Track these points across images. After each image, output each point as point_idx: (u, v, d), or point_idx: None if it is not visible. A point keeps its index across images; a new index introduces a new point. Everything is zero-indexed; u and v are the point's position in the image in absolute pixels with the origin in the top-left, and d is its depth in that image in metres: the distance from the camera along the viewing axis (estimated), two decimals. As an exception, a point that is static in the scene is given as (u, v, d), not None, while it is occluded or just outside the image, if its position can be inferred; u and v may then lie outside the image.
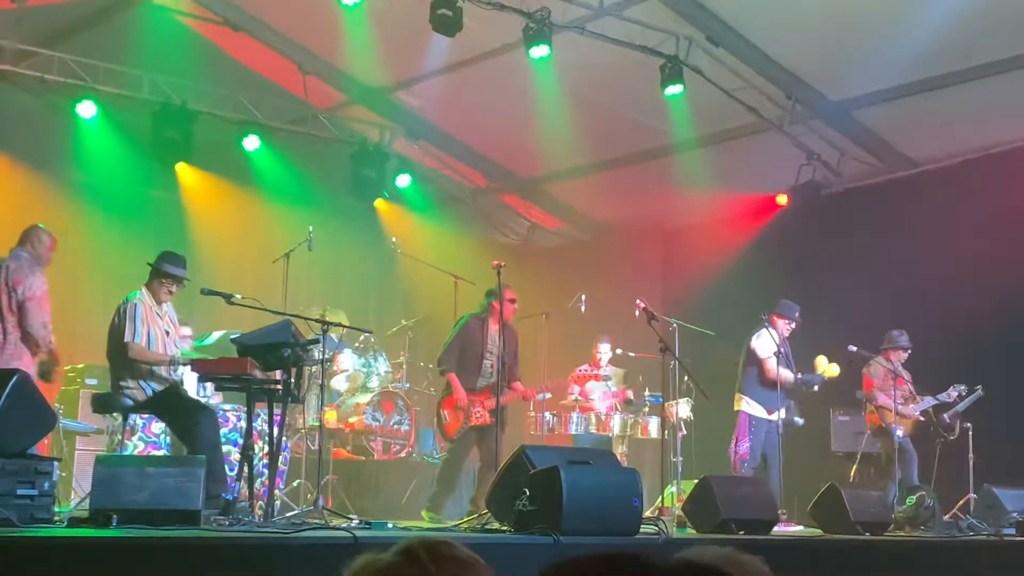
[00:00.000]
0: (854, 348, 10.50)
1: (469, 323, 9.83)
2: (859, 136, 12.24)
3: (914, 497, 9.75)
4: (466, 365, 9.71)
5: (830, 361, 10.59)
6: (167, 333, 7.85)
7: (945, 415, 10.76)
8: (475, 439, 9.70)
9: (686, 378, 10.42)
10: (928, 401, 10.77)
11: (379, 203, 13.96)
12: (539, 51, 10.34)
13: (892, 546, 8.30)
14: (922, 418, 10.77)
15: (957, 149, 11.96)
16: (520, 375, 10.01)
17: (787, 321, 10.46)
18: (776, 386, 10.09)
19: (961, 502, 10.27)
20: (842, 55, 10.94)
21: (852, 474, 11.05)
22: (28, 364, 7.63)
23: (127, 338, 7.54)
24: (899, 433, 10.48)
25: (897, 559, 7.99)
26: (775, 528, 8.41)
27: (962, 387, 10.75)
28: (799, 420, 10.47)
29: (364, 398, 11.50)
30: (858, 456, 11.16)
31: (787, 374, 10.21)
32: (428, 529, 8.32)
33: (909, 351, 10.79)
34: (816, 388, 10.54)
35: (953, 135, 11.82)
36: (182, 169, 13.02)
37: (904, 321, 11.00)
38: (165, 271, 7.89)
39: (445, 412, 9.72)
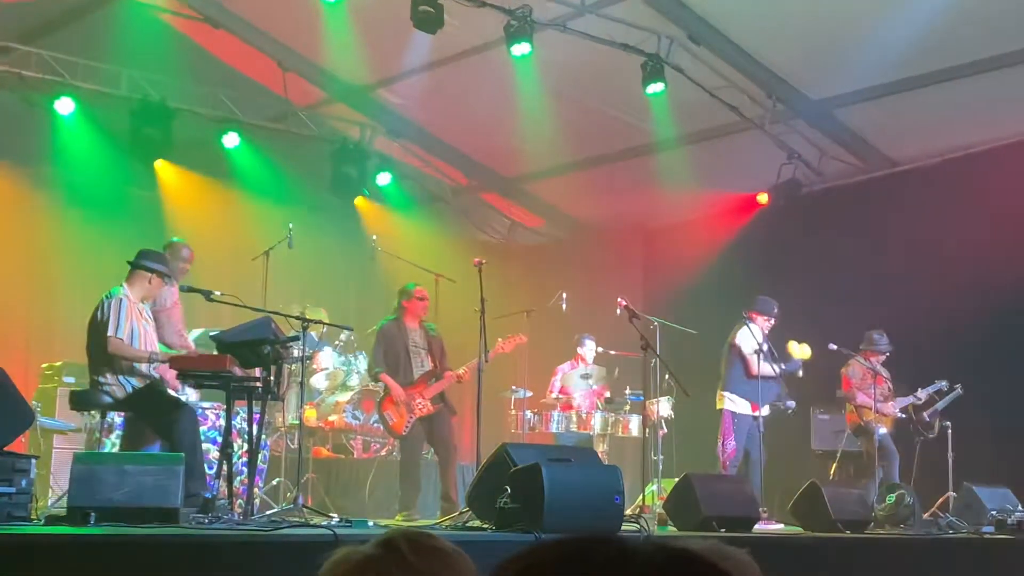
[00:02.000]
0: (834, 346, 10.54)
1: (384, 328, 9.94)
2: (840, 135, 12.28)
3: (894, 495, 9.78)
4: (397, 365, 9.78)
5: (800, 343, 10.60)
6: (147, 330, 7.80)
7: (925, 414, 10.81)
8: (424, 433, 9.71)
9: (667, 376, 10.42)
10: (907, 400, 10.80)
11: (359, 201, 13.91)
12: (520, 49, 10.32)
13: (872, 544, 8.31)
14: (902, 416, 10.81)
15: (937, 149, 12.01)
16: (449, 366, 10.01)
17: (765, 317, 10.48)
18: (777, 376, 10.13)
19: (941, 500, 10.31)
20: (823, 54, 10.97)
21: (832, 472, 11.08)
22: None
23: (110, 332, 7.49)
24: (882, 431, 10.51)
25: (877, 557, 8.01)
26: (756, 526, 8.41)
27: (942, 383, 10.79)
28: (791, 403, 10.45)
29: (344, 396, 11.46)
30: (838, 454, 11.18)
31: (771, 370, 10.22)
32: (406, 526, 8.30)
33: (887, 354, 10.82)
34: (800, 373, 10.55)
35: (933, 135, 11.86)
36: (161, 166, 12.95)
37: (884, 320, 11.04)
38: (147, 267, 7.85)
39: (388, 413, 9.74)
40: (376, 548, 1.86)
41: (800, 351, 10.53)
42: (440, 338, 10.06)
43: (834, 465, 11.16)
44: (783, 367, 10.34)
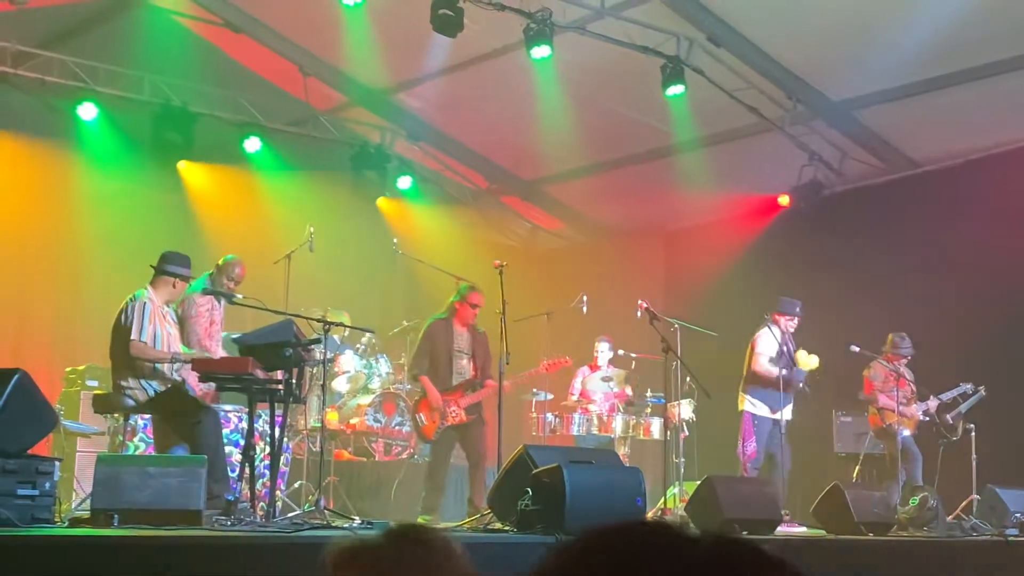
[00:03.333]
0: (856, 348, 10.49)
1: (432, 326, 9.86)
2: (861, 136, 12.23)
3: (917, 498, 9.72)
4: (438, 367, 9.72)
5: (809, 353, 10.54)
6: (170, 333, 7.84)
7: (948, 416, 10.75)
8: (456, 438, 9.70)
9: (688, 379, 10.40)
10: (931, 402, 10.75)
11: (381, 203, 13.97)
12: (540, 51, 10.33)
13: (896, 547, 8.28)
14: (925, 419, 10.75)
15: (959, 149, 11.94)
16: (493, 373, 9.98)
17: (788, 317, 10.44)
18: (778, 384, 10.07)
19: (964, 503, 10.24)
20: (844, 55, 10.93)
21: (855, 475, 11.03)
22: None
23: (133, 335, 7.53)
24: (905, 433, 10.46)
25: (900, 560, 7.98)
26: (778, 528, 8.39)
27: (966, 386, 10.73)
28: (806, 387, 10.38)
29: (365, 399, 11.48)
30: (861, 457, 11.13)
31: (772, 369, 10.15)
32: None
33: (909, 357, 10.76)
34: (801, 384, 10.46)
35: (955, 135, 11.80)
36: (184, 168, 13.01)
37: (906, 322, 10.98)
38: (170, 271, 7.88)
39: (421, 415, 9.73)
40: (379, 539, 1.88)
41: (807, 361, 10.44)
42: (486, 340, 9.98)
43: (857, 468, 11.12)
44: (784, 373, 10.21)
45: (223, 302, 8.81)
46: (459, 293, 9.82)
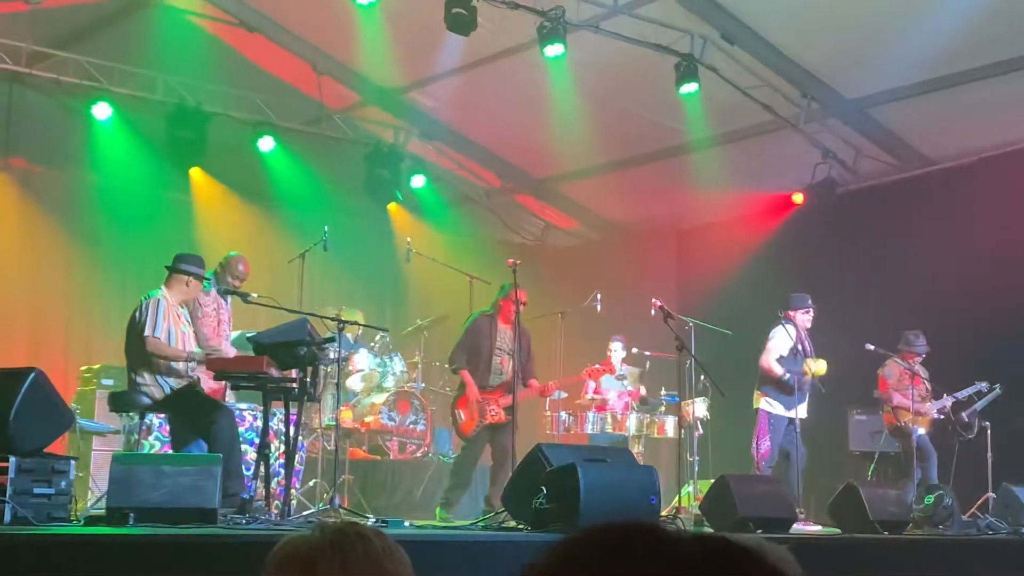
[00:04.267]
0: (871, 347, 10.46)
1: (478, 321, 9.81)
2: (875, 134, 12.19)
3: (933, 496, 9.70)
4: (478, 363, 9.68)
5: (817, 359, 10.49)
6: (184, 333, 7.86)
7: (963, 414, 10.71)
8: (488, 437, 9.68)
9: (702, 377, 10.38)
10: (945, 400, 10.71)
11: (392, 207, 13.96)
12: (553, 50, 10.32)
13: (911, 545, 8.26)
14: (940, 417, 10.71)
15: (974, 147, 11.90)
16: (536, 372, 9.97)
17: (803, 311, 10.39)
18: (786, 384, 10.04)
19: (980, 501, 10.21)
20: (857, 53, 10.90)
21: (870, 473, 11.00)
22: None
23: (147, 332, 7.55)
24: (919, 432, 10.43)
25: (915, 558, 7.96)
26: (793, 527, 8.37)
27: (982, 384, 10.69)
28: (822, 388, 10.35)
29: (380, 398, 11.49)
30: (876, 455, 11.10)
31: (777, 368, 10.11)
32: (444, 527, 8.32)
33: (924, 355, 10.72)
34: (814, 385, 10.40)
35: (970, 133, 11.76)
36: (196, 173, 13.04)
37: (921, 319, 10.95)
38: (185, 271, 7.90)
39: (460, 412, 9.69)
40: (320, 538, 1.90)
41: (815, 367, 10.39)
42: (530, 337, 9.91)
43: (872, 466, 11.09)
44: (789, 376, 10.13)
45: (230, 301, 8.82)
46: (503, 290, 9.74)
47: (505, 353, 9.70)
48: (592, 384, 11.65)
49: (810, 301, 10.45)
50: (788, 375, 10.05)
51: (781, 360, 10.17)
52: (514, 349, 9.58)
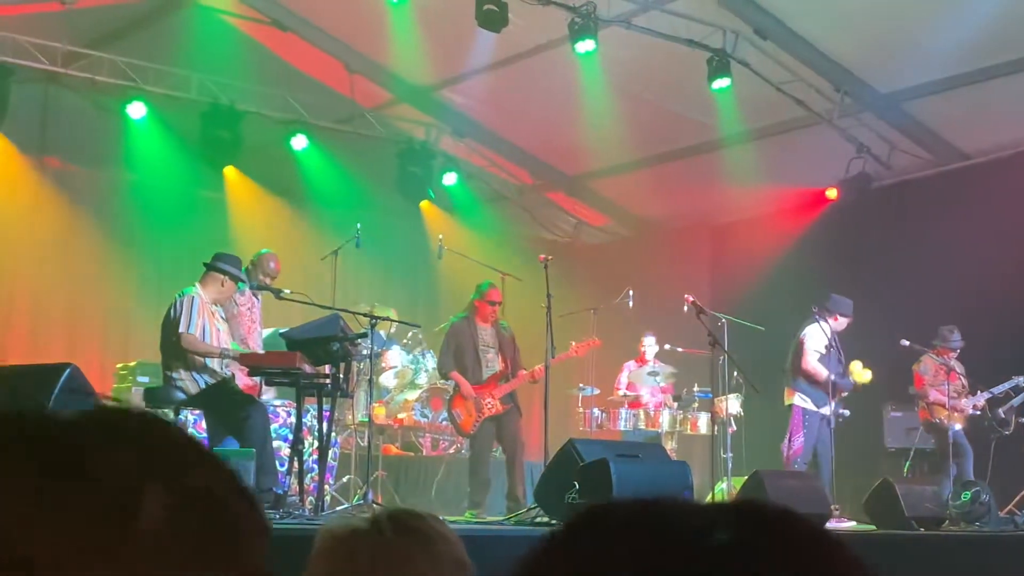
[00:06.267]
0: (907, 343, 10.38)
1: (455, 326, 9.94)
2: (909, 128, 12.10)
3: (969, 492, 9.61)
4: (466, 363, 9.76)
5: (865, 366, 10.40)
6: (219, 330, 7.91)
7: (1000, 410, 10.61)
8: (493, 431, 9.73)
9: (736, 373, 10.34)
10: (981, 396, 10.62)
11: (424, 206, 13.99)
12: (585, 46, 10.32)
13: (947, 542, 8.21)
14: (977, 412, 10.62)
15: (1009, 141, 11.79)
16: (523, 363, 9.98)
17: (841, 314, 10.29)
18: (826, 385, 9.97)
19: (1017, 498, 10.13)
20: (891, 46, 10.83)
21: (906, 470, 10.92)
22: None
23: (182, 328, 7.60)
24: (956, 428, 10.34)
25: (952, 554, 7.90)
26: (828, 524, 8.32)
27: (1018, 379, 10.58)
28: (845, 412, 10.30)
29: (413, 394, 11.52)
30: (911, 452, 11.03)
31: (822, 370, 10.05)
32: (476, 523, 8.33)
33: (959, 350, 10.62)
34: (845, 393, 10.33)
35: (1005, 126, 11.65)
36: (230, 172, 13.11)
37: (957, 315, 10.85)
38: (222, 269, 7.96)
39: (457, 411, 9.76)
40: (360, 524, 1.90)
41: (860, 374, 10.31)
42: (512, 335, 10.05)
43: (907, 462, 11.01)
44: (833, 377, 10.07)
45: (260, 299, 8.87)
46: (478, 291, 9.90)
47: (491, 348, 9.83)
48: (624, 380, 11.63)
49: (850, 309, 10.30)
50: (834, 377, 9.99)
51: (820, 359, 10.09)
52: (498, 344, 9.76)
